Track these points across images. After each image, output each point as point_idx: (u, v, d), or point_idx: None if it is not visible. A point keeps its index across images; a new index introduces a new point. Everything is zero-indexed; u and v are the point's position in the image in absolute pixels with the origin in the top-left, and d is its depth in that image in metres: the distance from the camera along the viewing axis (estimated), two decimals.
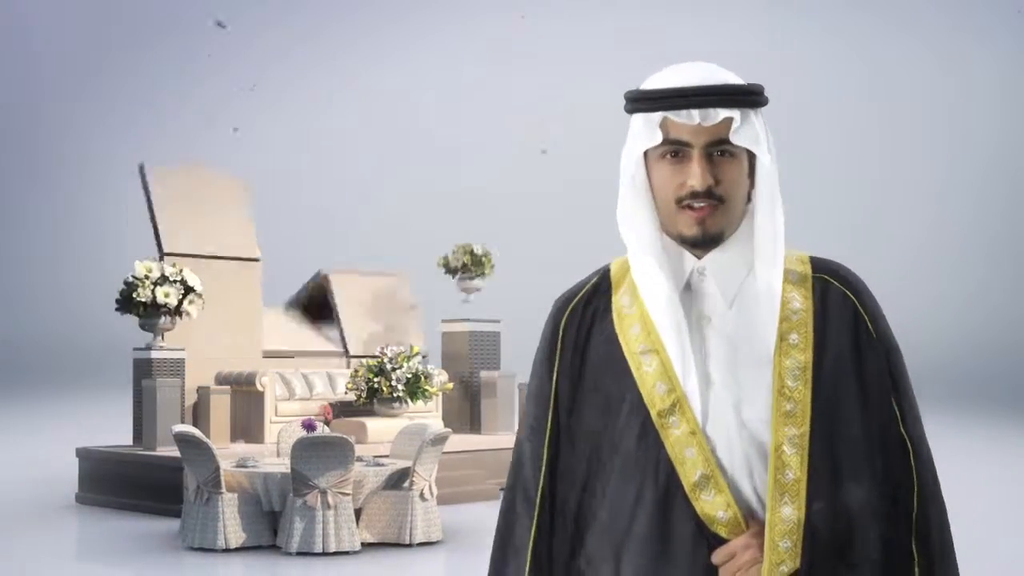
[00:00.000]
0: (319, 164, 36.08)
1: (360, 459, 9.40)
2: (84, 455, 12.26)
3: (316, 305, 15.22)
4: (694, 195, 1.80)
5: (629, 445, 1.83)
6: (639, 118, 1.83)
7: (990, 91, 32.38)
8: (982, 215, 31.52)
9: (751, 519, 1.79)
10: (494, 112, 34.76)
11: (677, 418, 1.81)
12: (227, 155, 23.21)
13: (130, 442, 12.58)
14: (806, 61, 33.42)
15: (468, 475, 12.18)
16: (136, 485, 11.44)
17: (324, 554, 8.70)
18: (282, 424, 11.39)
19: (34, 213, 35.81)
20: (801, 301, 1.85)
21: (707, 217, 1.80)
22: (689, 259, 1.86)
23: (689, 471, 1.79)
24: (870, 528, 1.77)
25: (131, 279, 12.04)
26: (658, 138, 1.81)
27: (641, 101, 1.83)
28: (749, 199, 1.86)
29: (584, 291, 1.97)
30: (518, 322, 13.41)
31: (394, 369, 12.93)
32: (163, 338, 12.24)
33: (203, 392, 12.48)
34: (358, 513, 9.07)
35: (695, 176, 1.79)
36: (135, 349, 12.43)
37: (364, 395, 13.00)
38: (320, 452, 8.73)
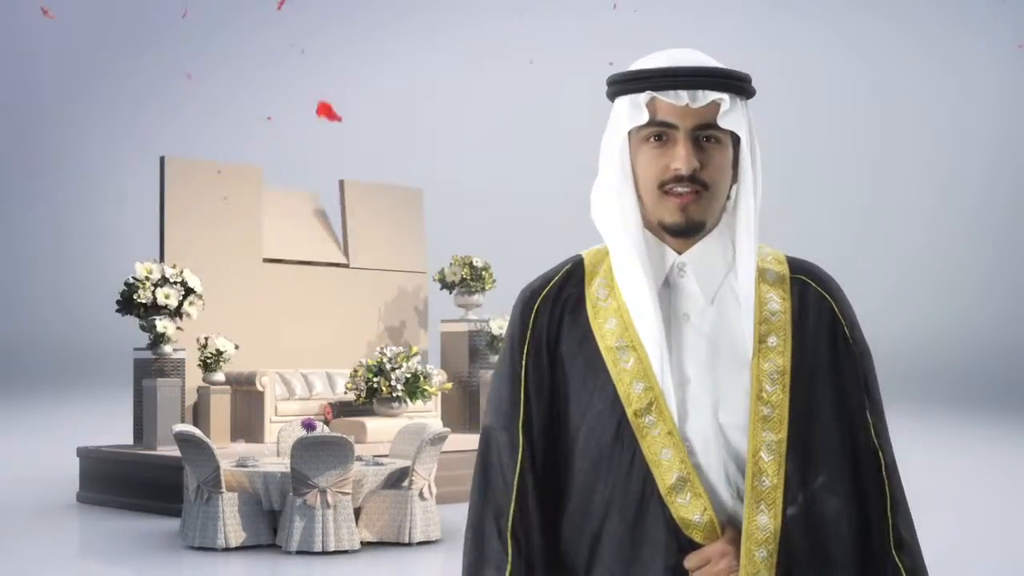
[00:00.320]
0: (319, 164, 36.03)
1: (360, 458, 9.42)
2: (85, 455, 12.28)
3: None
4: (678, 179, 1.75)
5: (604, 444, 1.78)
6: (624, 100, 1.78)
7: (990, 91, 32.35)
8: (982, 215, 31.49)
9: (727, 524, 1.75)
10: (494, 112, 34.77)
11: (654, 418, 1.76)
12: (232, 153, 23.17)
13: (130, 442, 12.60)
14: (806, 61, 33.41)
15: (467, 474, 12.13)
16: (136, 485, 11.46)
17: (324, 553, 8.72)
18: (282, 424, 11.41)
19: (34, 213, 35.78)
20: (779, 303, 1.81)
21: (690, 204, 1.75)
22: (670, 254, 1.82)
23: (665, 473, 1.74)
24: (845, 538, 1.75)
25: (132, 280, 12.06)
26: (644, 117, 1.76)
27: (628, 82, 1.78)
28: (729, 196, 1.82)
29: (555, 280, 1.89)
30: None
31: (393, 369, 12.95)
32: (170, 345, 12.25)
33: (203, 392, 12.50)
34: (357, 512, 9.09)
35: (680, 159, 1.74)
36: (135, 349, 12.45)
37: (363, 395, 13.02)
38: (320, 452, 8.74)
